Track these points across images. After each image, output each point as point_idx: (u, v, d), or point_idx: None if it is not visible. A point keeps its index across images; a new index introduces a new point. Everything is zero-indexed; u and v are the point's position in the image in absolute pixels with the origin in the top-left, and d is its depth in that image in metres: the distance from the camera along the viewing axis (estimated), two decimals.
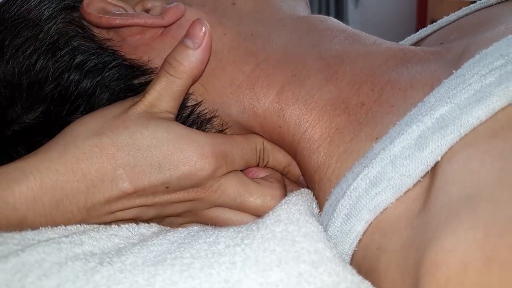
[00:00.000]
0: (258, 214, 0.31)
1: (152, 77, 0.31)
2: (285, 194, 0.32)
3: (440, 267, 0.19)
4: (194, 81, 0.31)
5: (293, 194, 0.30)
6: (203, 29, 0.30)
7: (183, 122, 0.32)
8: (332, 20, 0.35)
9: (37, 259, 0.22)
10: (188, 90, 0.31)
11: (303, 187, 0.33)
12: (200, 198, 0.31)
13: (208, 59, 0.31)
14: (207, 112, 0.32)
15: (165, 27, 0.32)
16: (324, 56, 0.32)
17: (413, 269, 0.20)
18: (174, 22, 0.32)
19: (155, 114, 0.30)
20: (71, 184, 0.27)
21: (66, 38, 0.31)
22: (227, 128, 0.33)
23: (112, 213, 0.29)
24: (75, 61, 0.31)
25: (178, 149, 0.29)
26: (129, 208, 0.29)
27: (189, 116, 0.32)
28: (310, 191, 0.31)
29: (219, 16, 0.33)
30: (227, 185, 0.31)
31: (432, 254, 0.19)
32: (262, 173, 0.34)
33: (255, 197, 0.31)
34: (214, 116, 0.32)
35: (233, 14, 0.34)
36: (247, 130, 0.33)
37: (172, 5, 0.32)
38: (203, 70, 0.31)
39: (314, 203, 0.30)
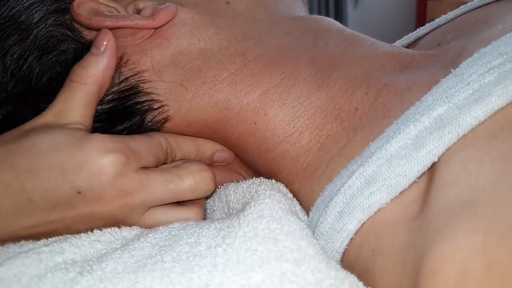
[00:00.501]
0: (196, 196, 0.30)
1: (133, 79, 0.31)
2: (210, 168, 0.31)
3: (439, 274, 0.18)
4: (102, 88, 0.30)
5: (274, 188, 0.29)
6: (107, 37, 0.30)
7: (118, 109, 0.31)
8: (329, 21, 0.34)
9: (15, 273, 0.22)
10: (99, 99, 0.30)
11: (221, 162, 0.34)
12: (127, 205, 0.28)
13: (115, 66, 0.30)
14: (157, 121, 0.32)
15: (156, 28, 0.32)
16: (317, 59, 0.31)
17: (411, 274, 0.20)
18: (165, 24, 0.31)
19: (61, 125, 0.29)
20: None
21: (55, 41, 0.31)
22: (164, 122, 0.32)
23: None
24: (57, 58, 0.30)
25: (78, 149, 0.27)
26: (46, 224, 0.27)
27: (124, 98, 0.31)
28: (287, 190, 0.31)
29: (212, 16, 0.33)
30: (151, 179, 0.28)
31: (430, 260, 0.19)
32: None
33: (185, 177, 0.29)
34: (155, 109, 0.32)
35: (227, 14, 0.33)
36: (191, 127, 0.32)
37: (163, 6, 0.31)
38: (110, 77, 0.30)
39: (294, 201, 0.29)
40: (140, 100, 0.31)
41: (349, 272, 0.24)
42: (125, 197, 0.28)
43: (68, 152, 0.27)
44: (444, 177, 0.21)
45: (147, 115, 0.32)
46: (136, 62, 0.31)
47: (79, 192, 0.27)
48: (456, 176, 0.20)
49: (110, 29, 0.31)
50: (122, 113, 0.32)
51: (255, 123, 0.31)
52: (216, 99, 0.31)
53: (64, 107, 0.29)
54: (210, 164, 0.34)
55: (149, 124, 0.32)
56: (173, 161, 0.32)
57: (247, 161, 0.34)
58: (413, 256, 0.20)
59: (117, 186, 0.27)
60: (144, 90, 0.31)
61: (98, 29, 0.31)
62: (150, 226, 0.29)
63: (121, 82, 0.31)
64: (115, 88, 0.31)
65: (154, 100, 0.31)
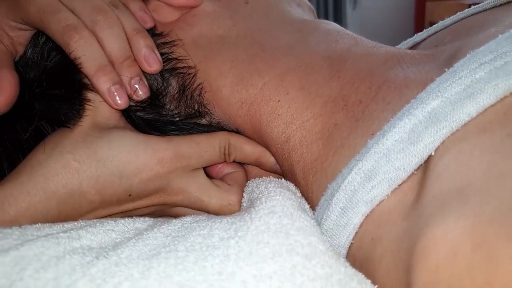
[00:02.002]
0: (217, 214, 0.33)
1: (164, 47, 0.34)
2: (241, 197, 0.33)
3: (431, 253, 0.19)
4: None
5: (284, 187, 0.30)
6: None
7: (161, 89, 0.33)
8: (336, 25, 0.37)
9: (35, 253, 0.23)
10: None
11: (278, 175, 0.34)
12: (163, 202, 0.32)
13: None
14: (196, 87, 0.34)
15: (175, 8, 0.35)
16: (329, 54, 0.33)
17: (405, 256, 0.21)
18: (184, 6, 0.35)
19: (104, 123, 0.31)
20: (42, 203, 0.29)
21: None
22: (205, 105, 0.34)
23: None
24: None
25: (135, 156, 0.30)
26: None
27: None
28: (296, 188, 0.31)
29: (232, 11, 0.36)
30: (188, 188, 0.32)
31: (423, 241, 0.20)
32: (227, 169, 0.35)
33: (214, 201, 0.33)
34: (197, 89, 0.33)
35: (245, 12, 0.36)
36: (231, 107, 0.34)
37: None
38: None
39: (303, 200, 0.30)
40: (177, 58, 0.34)
41: (357, 270, 0.24)
42: (161, 197, 0.32)
43: (126, 159, 0.30)
44: (438, 169, 0.22)
45: (185, 79, 0.33)
46: (166, 35, 0.34)
47: (130, 195, 0.31)
48: (449, 167, 0.21)
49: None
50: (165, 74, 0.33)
51: (279, 101, 0.32)
52: (240, 76, 0.33)
53: (96, 106, 0.31)
54: (270, 170, 0.36)
55: (191, 94, 0.33)
56: (232, 161, 0.35)
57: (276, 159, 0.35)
58: (408, 241, 0.21)
59: (160, 188, 0.32)
60: (178, 54, 0.34)
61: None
62: (174, 216, 0.33)
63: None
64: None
65: (187, 65, 0.33)
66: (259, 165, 0.36)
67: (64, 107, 0.32)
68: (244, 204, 0.33)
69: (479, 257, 0.18)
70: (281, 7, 0.37)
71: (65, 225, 0.27)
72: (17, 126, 0.32)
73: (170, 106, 0.34)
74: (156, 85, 0.33)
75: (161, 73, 0.33)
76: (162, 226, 0.27)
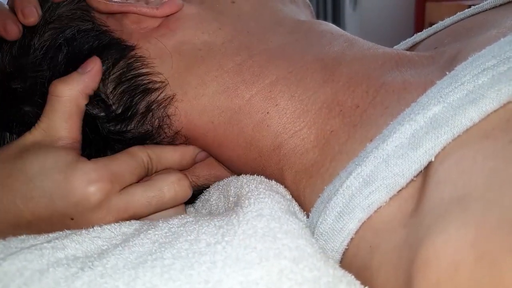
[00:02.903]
0: (176, 204, 0.32)
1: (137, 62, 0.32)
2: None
3: (432, 264, 0.19)
4: (80, 104, 0.31)
5: (273, 189, 0.30)
6: (95, 63, 0.31)
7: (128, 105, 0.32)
8: (332, 25, 0.36)
9: (18, 268, 0.22)
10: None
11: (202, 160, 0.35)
12: (118, 219, 0.30)
13: (95, 87, 0.31)
14: (160, 100, 0.32)
15: (159, 18, 0.33)
16: (322, 57, 0.32)
17: (405, 266, 0.21)
18: (168, 15, 0.33)
19: (50, 142, 0.30)
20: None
21: (69, 19, 0.33)
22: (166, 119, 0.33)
23: None
24: (67, 35, 0.32)
25: (65, 179, 0.29)
26: None
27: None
28: (286, 190, 0.31)
29: (217, 13, 0.34)
30: (134, 198, 0.31)
31: (423, 252, 0.19)
32: None
33: (166, 190, 0.31)
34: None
35: (232, 12, 0.34)
36: (204, 115, 0.32)
37: None
38: (87, 95, 0.31)
39: (293, 202, 0.30)
40: (142, 75, 0.32)
41: (346, 271, 0.24)
42: (114, 215, 0.30)
43: (55, 180, 0.29)
44: (438, 175, 0.21)
45: (150, 94, 0.32)
46: (139, 48, 0.33)
47: (72, 219, 0.29)
48: (449, 173, 0.21)
49: (116, 13, 0.33)
50: (128, 91, 0.32)
51: (267, 113, 0.31)
52: (225, 86, 0.32)
53: (49, 122, 0.30)
54: (192, 164, 0.35)
55: (156, 106, 0.32)
56: (155, 172, 0.34)
57: (256, 163, 0.33)
58: (408, 250, 0.21)
59: (105, 210, 0.29)
60: (146, 71, 0.32)
61: (106, 13, 0.33)
62: None
63: (124, 66, 0.32)
64: (119, 72, 0.32)
65: (155, 79, 0.32)
66: (183, 168, 0.35)
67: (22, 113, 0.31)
68: (231, 199, 0.33)
69: (481, 270, 0.17)
70: (272, 6, 0.36)
71: (50, 235, 0.27)
72: None
73: (134, 122, 0.33)
74: (125, 103, 0.32)
75: (127, 91, 0.32)
76: (149, 231, 0.27)
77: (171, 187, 0.32)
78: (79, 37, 0.32)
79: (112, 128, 0.32)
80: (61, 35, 0.32)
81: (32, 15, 0.32)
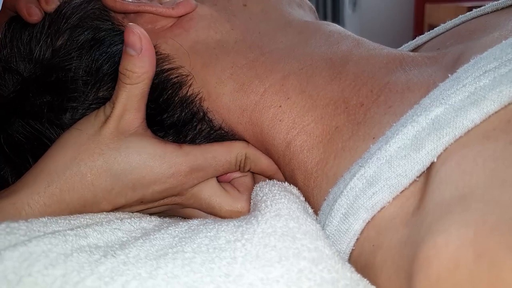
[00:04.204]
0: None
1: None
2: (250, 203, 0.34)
3: (432, 262, 0.19)
4: (150, 82, 0.32)
5: (287, 190, 0.30)
6: (137, 34, 0.30)
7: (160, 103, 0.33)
8: (338, 26, 0.37)
9: (43, 250, 0.22)
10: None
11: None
12: (174, 203, 0.33)
13: (154, 63, 0.31)
14: (191, 95, 0.33)
15: (175, 17, 0.34)
16: (330, 56, 0.33)
17: (407, 265, 0.21)
18: (183, 15, 0.34)
19: (125, 130, 0.31)
20: (56, 213, 0.29)
21: (84, 17, 0.34)
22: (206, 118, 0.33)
23: None
24: (87, 35, 0.33)
25: (150, 171, 0.31)
26: None
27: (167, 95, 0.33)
28: (299, 192, 0.32)
29: (229, 15, 0.35)
30: (200, 194, 0.33)
31: (424, 250, 0.20)
32: (236, 173, 0.36)
33: (225, 208, 0.34)
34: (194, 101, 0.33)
35: (243, 15, 0.36)
36: (231, 114, 0.33)
37: None
38: (154, 70, 0.32)
39: (307, 204, 0.30)
40: (170, 71, 0.33)
41: (362, 276, 0.25)
42: (173, 200, 0.33)
43: (143, 172, 0.31)
44: (440, 176, 0.22)
45: (181, 88, 0.33)
46: (158, 48, 0.33)
47: (142, 202, 0.32)
48: (451, 174, 0.21)
49: (132, 13, 0.34)
50: (155, 90, 0.33)
51: (280, 106, 0.32)
52: (240, 83, 0.33)
53: (123, 110, 0.31)
54: None
55: (188, 102, 0.33)
56: (244, 171, 0.35)
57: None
58: (409, 248, 0.21)
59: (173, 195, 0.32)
60: (169, 66, 0.33)
61: (121, 12, 0.34)
62: (183, 215, 0.36)
63: None
64: None
65: (182, 72, 0.33)
66: (269, 178, 0.36)
67: (72, 108, 0.32)
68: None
69: (481, 268, 0.18)
70: (281, 8, 0.37)
71: (71, 222, 0.27)
72: (15, 126, 0.33)
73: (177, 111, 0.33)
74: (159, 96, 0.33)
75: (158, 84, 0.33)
76: (169, 228, 0.27)
77: (231, 210, 0.34)
78: (102, 36, 0.33)
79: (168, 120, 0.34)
80: (84, 34, 0.33)
81: (54, 2, 0.34)
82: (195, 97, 0.33)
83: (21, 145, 0.33)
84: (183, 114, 0.33)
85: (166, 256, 0.24)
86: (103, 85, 0.33)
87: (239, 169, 0.34)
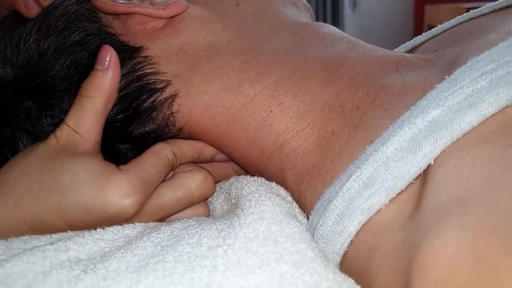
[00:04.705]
0: (202, 199, 0.33)
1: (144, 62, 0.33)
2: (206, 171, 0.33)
3: (430, 267, 0.19)
4: (109, 100, 0.31)
5: (274, 192, 0.30)
6: (108, 52, 0.31)
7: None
8: (333, 28, 0.36)
9: (21, 269, 0.22)
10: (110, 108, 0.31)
11: (221, 162, 0.35)
12: (150, 220, 0.31)
13: (119, 78, 0.31)
14: (163, 98, 0.32)
15: (165, 18, 0.33)
16: (324, 58, 0.32)
17: (404, 269, 0.21)
18: (174, 16, 0.33)
19: (74, 147, 0.30)
20: (14, 228, 0.28)
21: (73, 18, 0.33)
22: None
23: None
24: (74, 38, 0.32)
25: (99, 192, 0.29)
26: None
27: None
28: (287, 192, 0.31)
29: (222, 15, 0.34)
30: (164, 200, 0.31)
31: (422, 254, 0.19)
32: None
33: (194, 189, 0.32)
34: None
35: (236, 15, 0.35)
36: (207, 112, 0.33)
37: (174, 0, 0.33)
38: (116, 89, 0.31)
39: (294, 204, 0.30)
40: (148, 75, 0.32)
41: (347, 276, 0.24)
42: (146, 219, 0.31)
43: (89, 193, 0.29)
44: (437, 178, 0.22)
45: (155, 94, 0.32)
46: (145, 48, 0.33)
47: (103, 228, 0.29)
48: (448, 177, 0.21)
49: (122, 14, 0.33)
50: (134, 91, 0.32)
51: (271, 111, 0.31)
52: (229, 84, 0.32)
53: (76, 124, 0.30)
54: (211, 161, 0.35)
55: (159, 105, 0.32)
56: (177, 167, 0.34)
57: (258, 163, 0.34)
58: (407, 252, 0.21)
59: (138, 216, 0.30)
60: (151, 71, 0.32)
61: (111, 13, 0.33)
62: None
63: (131, 66, 0.33)
64: (125, 72, 0.32)
65: (160, 78, 0.32)
66: (200, 162, 0.35)
67: (42, 118, 0.31)
68: (232, 200, 0.33)
69: (479, 272, 0.17)
70: (275, 9, 0.36)
71: (53, 236, 0.27)
72: None
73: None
74: (130, 103, 0.33)
75: (134, 91, 0.32)
76: (152, 234, 0.27)
77: (199, 185, 0.32)
78: (89, 40, 0.32)
79: (118, 126, 0.33)
80: (72, 37, 0.32)
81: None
82: (166, 100, 0.32)
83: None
84: (151, 122, 0.33)
85: (147, 268, 0.24)
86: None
87: (173, 168, 0.33)
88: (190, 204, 0.33)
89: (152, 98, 0.32)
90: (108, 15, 0.34)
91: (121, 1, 0.33)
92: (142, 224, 0.30)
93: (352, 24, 2.23)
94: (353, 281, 0.24)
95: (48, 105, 0.32)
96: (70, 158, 0.30)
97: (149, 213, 0.31)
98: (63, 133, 0.30)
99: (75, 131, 0.30)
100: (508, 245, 0.17)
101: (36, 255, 0.24)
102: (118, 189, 0.29)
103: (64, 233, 0.27)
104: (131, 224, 0.29)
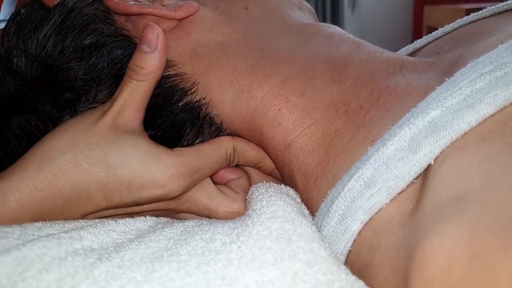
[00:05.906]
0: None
1: None
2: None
3: (428, 263, 0.19)
4: (156, 82, 0.32)
5: (283, 192, 0.30)
6: (156, 33, 0.31)
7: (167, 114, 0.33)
8: (339, 28, 0.37)
9: (38, 254, 0.22)
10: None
11: (277, 180, 0.35)
12: (169, 208, 0.32)
13: (165, 61, 0.32)
14: (196, 101, 0.33)
15: (177, 20, 0.34)
16: (330, 58, 0.33)
17: (403, 265, 0.21)
18: (186, 17, 0.34)
19: (122, 126, 0.30)
20: (49, 201, 0.28)
21: (89, 20, 0.33)
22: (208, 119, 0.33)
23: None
24: (88, 40, 0.33)
25: (146, 169, 0.29)
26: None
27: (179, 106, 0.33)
28: (296, 194, 0.32)
29: (231, 18, 0.35)
30: (196, 197, 0.32)
31: (420, 251, 0.20)
32: (230, 174, 0.35)
33: (222, 210, 0.33)
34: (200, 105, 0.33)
35: (245, 18, 0.36)
36: (232, 121, 0.33)
37: (186, 2, 0.34)
38: (163, 71, 0.32)
39: (303, 206, 0.30)
40: (172, 77, 0.33)
41: (357, 277, 0.25)
42: (185, 207, 0.32)
43: (138, 171, 0.29)
44: (437, 177, 0.22)
45: (185, 95, 0.33)
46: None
47: (137, 204, 0.31)
48: (447, 176, 0.22)
49: (135, 15, 0.33)
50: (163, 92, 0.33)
51: (279, 109, 0.32)
52: (240, 89, 0.33)
53: (124, 105, 0.30)
54: (269, 174, 0.36)
55: (193, 107, 0.33)
56: (233, 164, 0.35)
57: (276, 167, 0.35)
58: (406, 249, 0.22)
59: (178, 201, 0.32)
60: (174, 72, 0.33)
61: (124, 14, 0.34)
62: (179, 218, 0.34)
63: None
64: None
65: (185, 78, 0.33)
66: (258, 168, 0.36)
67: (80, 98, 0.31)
68: None
69: (475, 268, 0.18)
70: (282, 11, 0.37)
71: (66, 225, 0.27)
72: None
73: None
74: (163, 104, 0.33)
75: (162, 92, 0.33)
76: (164, 229, 0.27)
77: (227, 212, 0.33)
78: (108, 41, 0.33)
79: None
80: (87, 39, 0.33)
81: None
82: (200, 103, 0.33)
83: (18, 144, 0.33)
84: (187, 118, 0.33)
85: (161, 259, 0.24)
86: (102, 89, 0.32)
87: (229, 164, 0.34)
88: (211, 217, 0.33)
89: (185, 99, 0.33)
90: (121, 17, 0.34)
91: (132, 2, 0.33)
92: (154, 218, 0.30)
93: (351, 24, 2.24)
94: (363, 282, 0.24)
95: (69, 100, 0.32)
96: (121, 135, 0.30)
97: (189, 201, 0.32)
98: (110, 112, 0.30)
99: (122, 111, 0.30)
100: (503, 242, 0.18)
101: (51, 242, 0.24)
102: (166, 170, 0.30)
103: (76, 223, 0.27)
104: (142, 218, 0.29)
